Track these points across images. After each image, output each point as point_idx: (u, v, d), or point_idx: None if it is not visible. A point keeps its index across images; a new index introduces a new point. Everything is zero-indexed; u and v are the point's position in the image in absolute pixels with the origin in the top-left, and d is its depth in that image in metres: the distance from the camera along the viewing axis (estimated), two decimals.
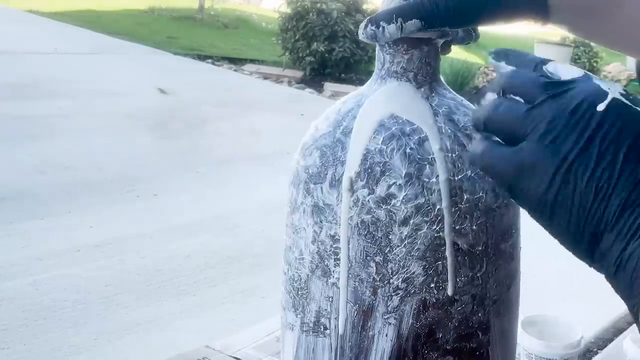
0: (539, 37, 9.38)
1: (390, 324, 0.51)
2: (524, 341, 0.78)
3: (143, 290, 2.18)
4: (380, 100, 0.54)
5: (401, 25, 0.51)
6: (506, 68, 0.44)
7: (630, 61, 7.45)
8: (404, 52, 0.55)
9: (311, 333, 0.54)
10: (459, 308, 0.52)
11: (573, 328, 0.80)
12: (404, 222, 0.51)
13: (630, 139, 0.36)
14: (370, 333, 0.51)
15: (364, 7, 6.78)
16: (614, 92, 0.38)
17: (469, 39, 0.57)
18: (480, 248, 0.52)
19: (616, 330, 0.96)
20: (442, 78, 0.57)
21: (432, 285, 0.51)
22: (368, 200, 0.51)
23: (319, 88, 6.24)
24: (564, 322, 0.81)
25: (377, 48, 0.57)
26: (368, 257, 0.51)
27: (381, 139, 0.52)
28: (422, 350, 0.51)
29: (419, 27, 0.50)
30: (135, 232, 2.61)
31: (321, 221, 0.53)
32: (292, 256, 0.54)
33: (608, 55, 8.86)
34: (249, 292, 2.24)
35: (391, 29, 0.51)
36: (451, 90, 0.57)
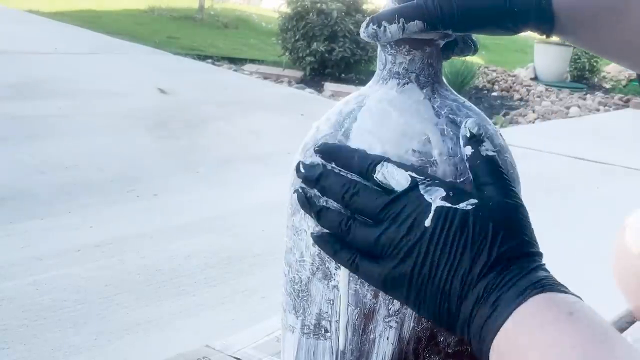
0: (538, 37, 9.38)
1: (391, 327, 0.51)
2: None
3: (143, 290, 2.18)
4: (382, 109, 0.53)
5: (403, 25, 0.50)
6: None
7: None
8: (405, 53, 0.54)
9: (312, 336, 0.54)
10: None
11: None
12: None
13: (457, 238, 0.44)
14: (371, 336, 0.51)
15: (364, 7, 6.78)
16: (436, 200, 0.45)
17: (468, 50, 0.57)
18: None
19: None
20: (444, 79, 0.57)
21: None
22: None
23: (319, 88, 6.25)
24: None
25: (379, 48, 0.56)
26: None
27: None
28: (424, 353, 0.51)
29: (421, 28, 0.50)
30: (135, 232, 2.61)
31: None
32: (293, 258, 0.54)
33: None
34: (249, 292, 2.24)
35: (392, 29, 0.51)
36: (453, 91, 0.57)
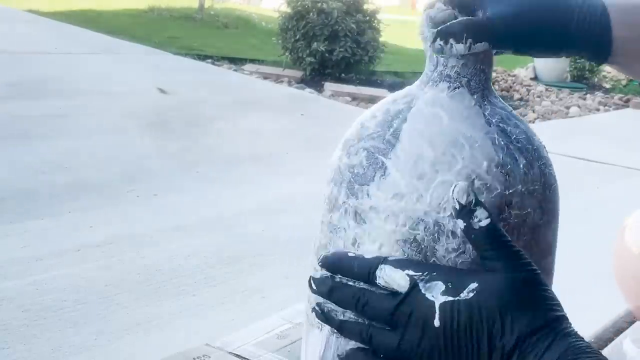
0: None
1: None
2: None
3: (143, 290, 2.18)
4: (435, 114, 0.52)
5: (470, 45, 0.50)
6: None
7: None
8: (459, 57, 0.53)
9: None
10: None
11: None
12: (453, 234, 0.49)
13: (469, 330, 0.44)
14: None
15: (365, 7, 6.78)
16: (437, 297, 0.45)
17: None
18: None
19: (616, 330, 0.96)
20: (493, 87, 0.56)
21: None
22: (416, 210, 0.50)
23: (319, 88, 6.24)
24: None
25: (430, 49, 0.55)
26: None
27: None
28: None
29: (487, 49, 0.51)
30: (135, 232, 2.61)
31: (364, 224, 0.51)
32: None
33: None
34: (249, 292, 2.24)
35: (459, 48, 0.51)
36: (501, 99, 0.56)
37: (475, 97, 0.53)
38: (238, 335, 0.78)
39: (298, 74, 6.63)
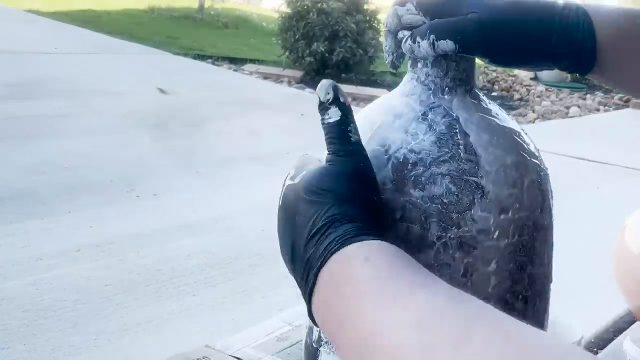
0: None
1: None
2: None
3: (143, 290, 2.18)
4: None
5: (433, 42, 0.49)
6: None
7: None
8: (431, 58, 0.53)
9: None
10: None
11: (573, 328, 0.80)
12: (544, 227, 0.52)
13: (287, 210, 0.51)
14: None
15: (365, 7, 6.78)
16: (287, 181, 0.51)
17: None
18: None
19: (616, 330, 0.96)
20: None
21: None
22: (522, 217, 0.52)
23: None
24: (564, 322, 0.81)
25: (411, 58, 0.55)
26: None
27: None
28: None
29: (452, 49, 0.49)
30: (135, 232, 2.61)
31: (475, 250, 0.49)
32: None
33: None
34: (249, 292, 2.24)
35: (424, 45, 0.50)
36: (487, 105, 0.57)
37: (481, 96, 0.55)
38: (238, 338, 0.78)
39: (298, 74, 6.63)
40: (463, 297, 0.39)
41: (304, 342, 0.58)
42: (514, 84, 7.49)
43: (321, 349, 0.54)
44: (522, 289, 0.51)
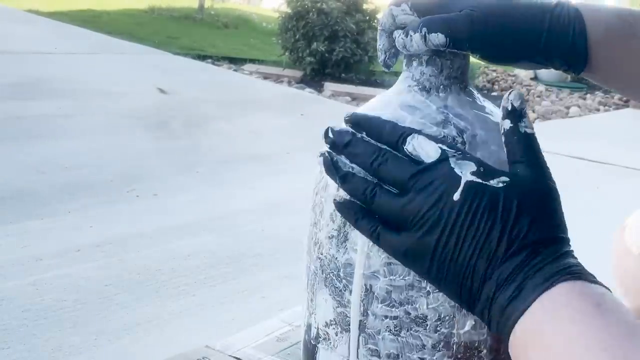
0: None
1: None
2: None
3: (143, 290, 2.18)
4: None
5: (425, 35, 0.49)
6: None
7: None
8: (424, 53, 0.53)
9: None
10: None
11: None
12: None
13: (486, 216, 0.43)
14: None
15: (364, 7, 6.77)
16: (466, 174, 0.44)
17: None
18: None
19: None
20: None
21: None
22: None
23: (319, 88, 6.24)
24: None
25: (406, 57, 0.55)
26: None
27: None
28: None
29: (443, 43, 0.49)
30: (135, 232, 2.61)
31: None
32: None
33: None
34: (249, 292, 2.24)
35: (416, 38, 0.50)
36: (481, 104, 0.58)
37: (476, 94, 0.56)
38: (238, 338, 0.78)
39: (298, 74, 6.63)
40: None
41: (302, 339, 0.58)
42: (514, 84, 7.49)
43: (319, 345, 0.54)
44: None
